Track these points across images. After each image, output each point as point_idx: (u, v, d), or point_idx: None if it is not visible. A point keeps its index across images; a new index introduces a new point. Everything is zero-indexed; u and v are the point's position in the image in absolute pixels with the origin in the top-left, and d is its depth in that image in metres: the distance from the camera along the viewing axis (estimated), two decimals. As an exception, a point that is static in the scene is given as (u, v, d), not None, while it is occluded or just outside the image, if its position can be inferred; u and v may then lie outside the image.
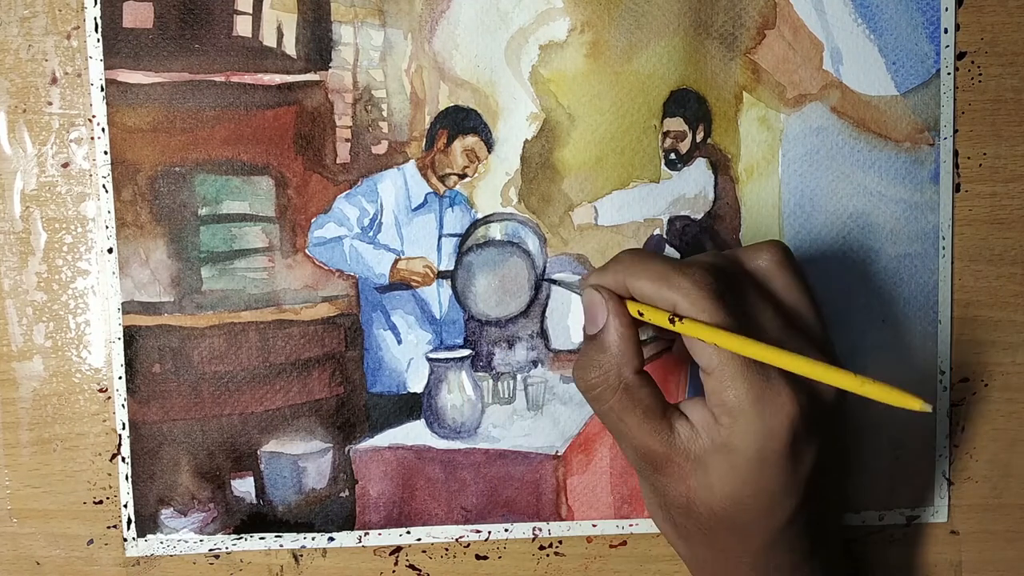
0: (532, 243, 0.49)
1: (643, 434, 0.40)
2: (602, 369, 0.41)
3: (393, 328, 0.49)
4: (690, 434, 0.40)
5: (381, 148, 0.48)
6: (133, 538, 0.48)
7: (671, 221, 0.50)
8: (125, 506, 0.48)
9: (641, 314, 0.41)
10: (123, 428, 0.48)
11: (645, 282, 0.40)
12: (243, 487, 0.49)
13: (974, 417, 0.51)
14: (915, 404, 0.34)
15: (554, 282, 0.49)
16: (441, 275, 0.49)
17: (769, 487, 0.39)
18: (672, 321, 0.39)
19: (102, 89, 0.47)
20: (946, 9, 0.49)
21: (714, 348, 0.38)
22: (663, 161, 0.49)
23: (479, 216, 0.49)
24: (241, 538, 0.49)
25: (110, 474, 0.48)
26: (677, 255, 0.50)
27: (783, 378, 0.38)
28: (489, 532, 0.50)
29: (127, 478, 0.48)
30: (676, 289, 0.39)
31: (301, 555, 0.49)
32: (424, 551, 0.50)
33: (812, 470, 0.39)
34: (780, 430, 0.38)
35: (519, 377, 0.50)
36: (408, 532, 0.49)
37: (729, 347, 0.38)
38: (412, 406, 0.49)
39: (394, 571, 0.50)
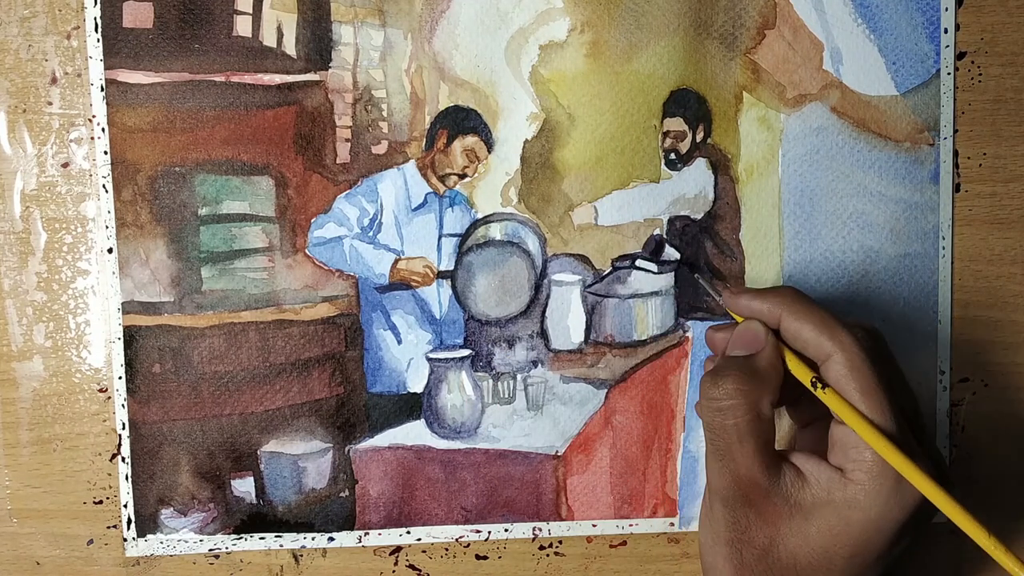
0: (532, 243, 0.49)
1: (752, 464, 0.39)
2: (747, 387, 0.40)
3: (393, 328, 0.49)
4: (795, 481, 0.39)
5: (381, 148, 0.48)
6: (133, 538, 0.48)
7: (671, 221, 0.50)
8: (125, 506, 0.48)
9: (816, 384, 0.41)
10: (123, 428, 0.48)
11: (807, 325, 0.40)
12: (243, 487, 0.49)
13: (974, 417, 0.51)
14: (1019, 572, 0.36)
15: (697, 278, 0.48)
16: (441, 275, 0.49)
17: (871, 551, 0.38)
18: (815, 385, 0.39)
19: (102, 89, 0.47)
20: (946, 9, 0.49)
21: (870, 403, 0.38)
22: (663, 161, 0.49)
23: (479, 216, 0.49)
24: (241, 538, 0.49)
25: (110, 474, 0.48)
26: (677, 255, 0.50)
27: (922, 455, 0.38)
28: (489, 532, 0.50)
29: (127, 478, 0.48)
30: (837, 341, 0.39)
31: (301, 555, 0.49)
32: (424, 551, 0.50)
33: (904, 551, 0.40)
34: (910, 504, 0.38)
35: (519, 377, 0.50)
36: (408, 532, 0.49)
37: (861, 433, 0.38)
38: (412, 406, 0.49)
39: (394, 571, 0.50)
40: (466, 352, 0.49)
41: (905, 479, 0.37)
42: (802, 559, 0.39)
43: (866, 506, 0.38)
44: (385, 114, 0.48)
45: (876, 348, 0.40)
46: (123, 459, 0.48)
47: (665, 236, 0.50)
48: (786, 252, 0.50)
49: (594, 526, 0.50)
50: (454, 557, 0.50)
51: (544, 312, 0.50)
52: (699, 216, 0.50)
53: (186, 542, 0.49)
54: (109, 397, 0.48)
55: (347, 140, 0.48)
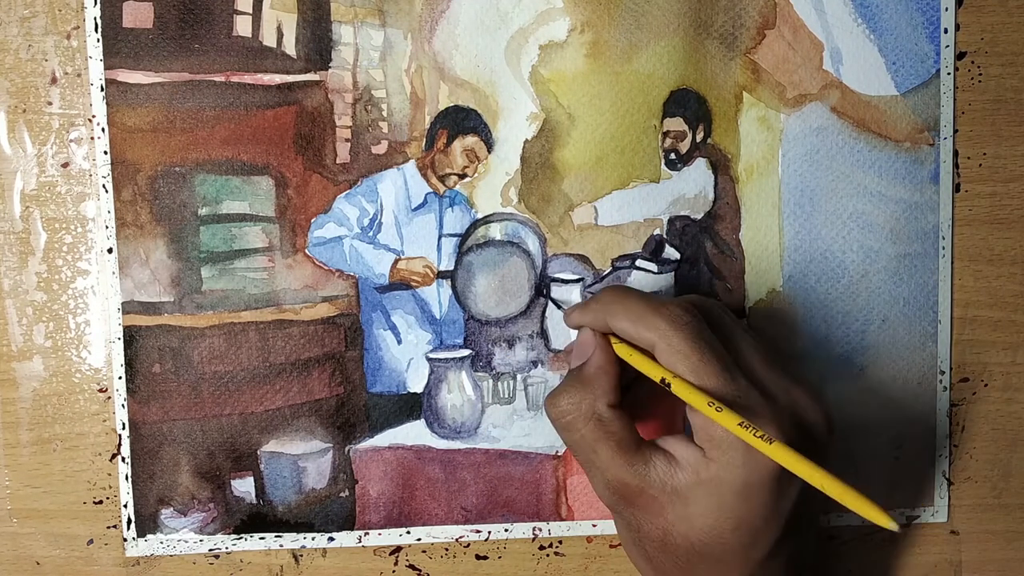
0: (532, 243, 0.49)
1: (616, 466, 0.40)
2: (576, 398, 0.41)
3: (393, 328, 0.49)
4: (667, 468, 0.39)
5: (381, 148, 0.48)
6: (133, 538, 0.48)
7: (671, 221, 0.50)
8: (125, 506, 0.48)
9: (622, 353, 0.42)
10: (123, 428, 0.48)
11: (624, 321, 0.41)
12: (243, 487, 0.49)
13: (974, 417, 0.51)
14: (886, 522, 0.35)
15: (552, 299, 0.49)
16: (441, 275, 0.49)
17: (752, 519, 0.39)
18: (664, 384, 0.39)
19: (102, 89, 0.47)
20: (946, 9, 0.49)
21: (700, 383, 0.39)
22: (663, 161, 0.49)
23: (479, 216, 0.49)
24: (241, 538, 0.49)
25: (110, 474, 0.48)
26: (677, 255, 0.50)
27: (770, 409, 0.38)
28: (489, 532, 0.50)
29: (127, 478, 0.48)
30: (653, 329, 0.40)
31: (301, 555, 0.49)
32: (424, 551, 0.50)
33: (795, 504, 0.39)
34: (766, 462, 0.38)
35: (519, 377, 0.50)
36: (408, 532, 0.49)
37: (711, 416, 0.38)
38: (412, 406, 0.49)
39: (394, 571, 0.50)
40: (466, 352, 0.49)
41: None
42: (695, 541, 0.39)
43: (728, 480, 0.38)
44: (385, 114, 0.48)
45: (694, 325, 0.40)
46: (123, 459, 0.48)
47: (665, 236, 0.50)
48: (786, 252, 0.50)
49: (594, 526, 0.50)
50: (454, 557, 0.50)
51: (544, 312, 0.50)
52: (699, 216, 0.50)
53: (186, 542, 0.49)
54: (109, 397, 0.48)
55: (347, 140, 0.48)
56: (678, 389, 0.39)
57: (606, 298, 0.42)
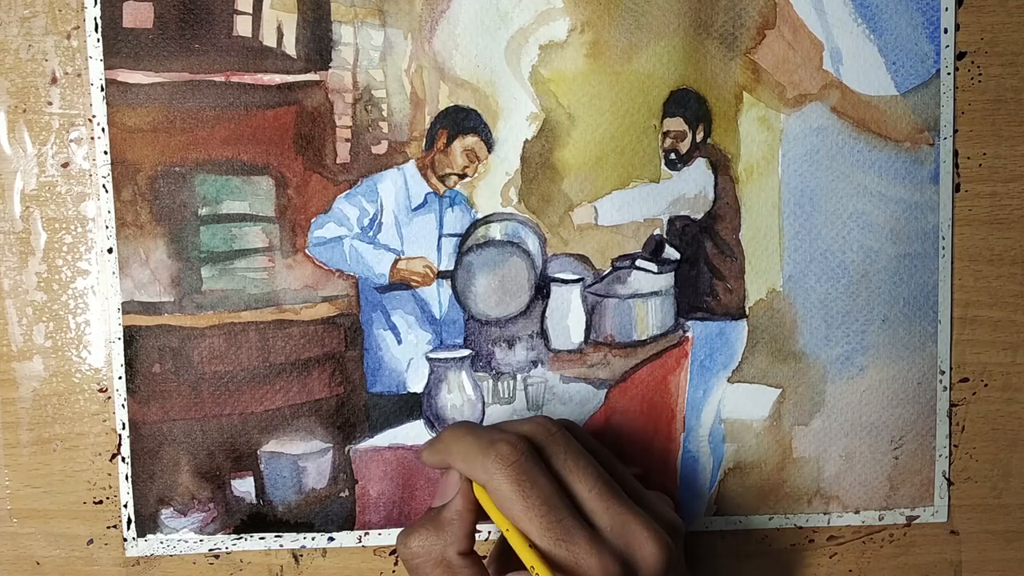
0: (532, 243, 0.49)
1: None
2: (428, 541, 0.41)
3: (393, 328, 0.49)
4: None
5: (381, 148, 0.48)
6: (133, 538, 0.48)
7: (671, 221, 0.50)
8: (125, 506, 0.48)
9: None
10: (123, 428, 0.48)
11: (460, 463, 0.41)
12: (243, 487, 0.49)
13: (974, 417, 0.51)
14: None
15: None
16: (441, 275, 0.49)
17: None
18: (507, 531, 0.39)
19: (102, 89, 0.47)
20: (946, 9, 0.49)
21: (527, 528, 0.38)
22: (663, 161, 0.49)
23: (479, 216, 0.49)
24: (241, 538, 0.49)
25: (110, 474, 0.48)
26: (677, 255, 0.50)
27: (594, 552, 0.38)
28: (489, 532, 0.50)
29: (127, 478, 0.48)
30: (481, 471, 0.39)
31: (301, 555, 0.49)
32: (424, 551, 0.50)
33: None
34: None
35: (519, 377, 0.50)
36: (408, 532, 0.49)
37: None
38: (412, 406, 0.49)
39: (394, 571, 0.50)
40: (466, 352, 0.49)
41: None
42: None
43: None
44: (385, 114, 0.48)
45: (519, 465, 0.39)
46: (123, 459, 0.48)
47: (665, 236, 0.50)
48: (786, 252, 0.50)
49: (594, 526, 0.50)
50: (454, 557, 0.50)
51: (544, 312, 0.50)
52: (699, 216, 0.50)
53: (186, 542, 0.49)
54: (109, 397, 0.48)
55: (347, 140, 0.48)
56: (512, 541, 0.39)
57: (446, 437, 0.42)
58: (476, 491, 0.41)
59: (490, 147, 0.49)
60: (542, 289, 0.50)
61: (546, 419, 0.43)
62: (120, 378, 0.48)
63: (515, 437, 0.40)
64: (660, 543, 0.39)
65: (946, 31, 0.49)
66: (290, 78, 0.48)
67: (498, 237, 0.49)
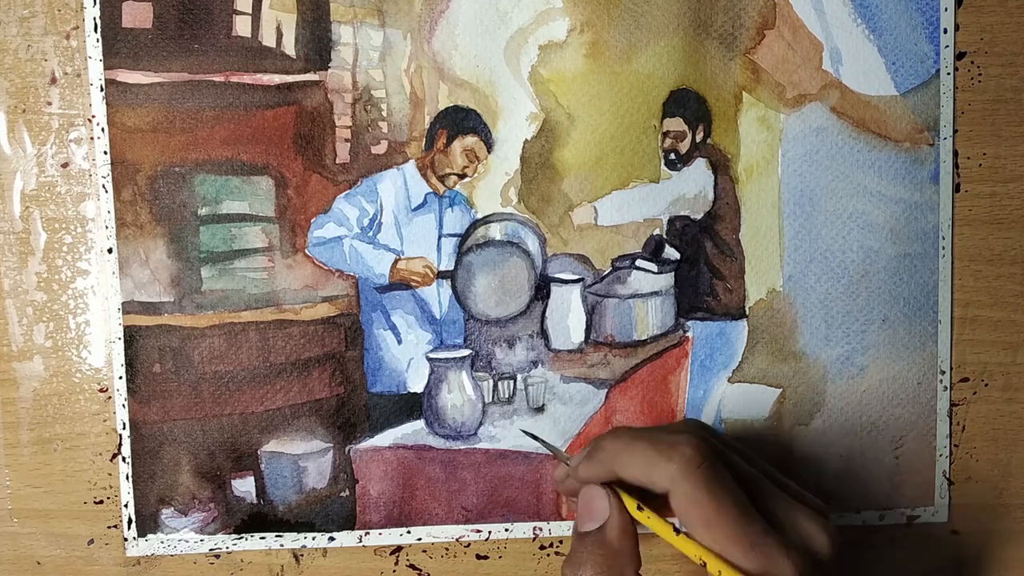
0: (532, 243, 0.49)
1: None
2: (601, 569, 0.39)
3: (393, 328, 0.49)
4: None
5: (381, 148, 0.48)
6: (134, 538, 0.48)
7: (671, 221, 0.50)
8: (125, 506, 0.48)
9: (640, 507, 0.40)
10: (123, 428, 0.48)
11: (634, 469, 0.39)
12: (243, 487, 0.49)
13: (974, 417, 0.51)
14: None
15: (535, 439, 0.47)
16: (441, 275, 0.49)
17: None
18: (677, 532, 0.39)
19: (102, 89, 0.47)
20: (946, 9, 0.49)
21: (715, 536, 0.37)
22: (663, 161, 0.49)
23: (479, 216, 0.49)
24: (241, 538, 0.49)
25: (110, 474, 0.48)
26: (677, 255, 0.50)
27: (785, 550, 0.37)
28: (489, 532, 0.50)
29: (127, 478, 0.48)
30: (666, 476, 0.38)
31: (301, 555, 0.49)
32: (424, 551, 0.50)
33: None
34: None
35: (519, 377, 0.50)
36: (408, 532, 0.49)
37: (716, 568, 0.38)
38: (412, 406, 0.49)
39: (394, 571, 0.50)
40: (466, 352, 0.49)
41: None
42: None
43: None
44: (385, 114, 0.48)
45: (707, 469, 0.38)
46: (123, 459, 0.48)
47: (665, 236, 0.50)
48: (786, 252, 0.50)
49: (594, 526, 0.50)
50: (454, 557, 0.50)
51: (544, 312, 0.50)
52: (699, 216, 0.50)
53: (186, 542, 0.49)
54: (109, 397, 0.48)
55: (347, 140, 0.48)
56: (686, 549, 0.38)
57: (611, 446, 0.40)
58: (628, 503, 0.40)
59: (490, 147, 0.49)
60: (542, 289, 0.50)
61: (695, 420, 0.41)
62: (120, 378, 0.48)
63: (694, 439, 0.39)
64: (829, 530, 0.39)
65: (946, 31, 0.49)
66: (290, 78, 0.48)
67: (498, 237, 0.49)
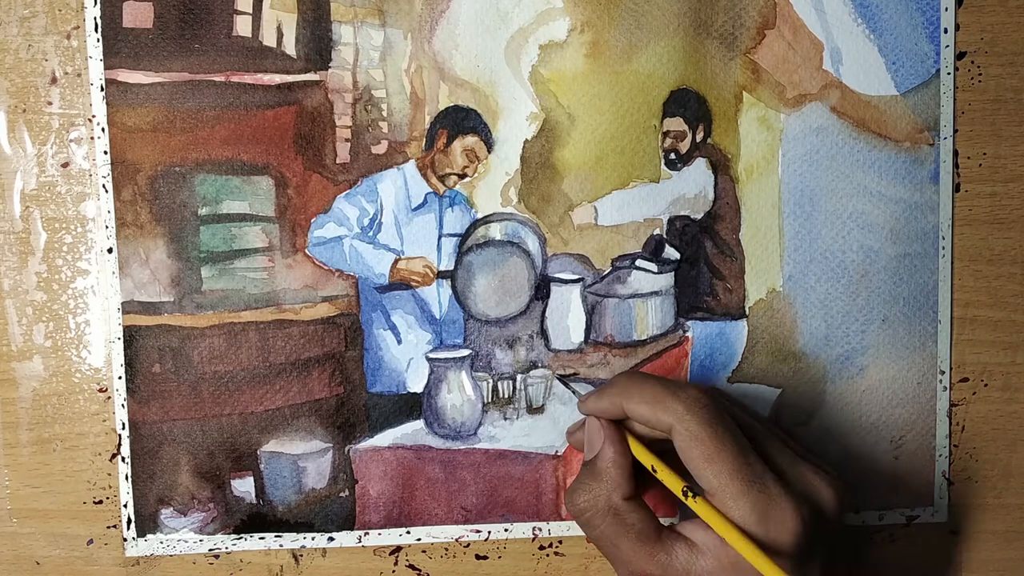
0: (532, 243, 0.49)
1: (638, 558, 0.40)
2: (592, 494, 0.42)
3: (393, 328, 0.49)
4: (689, 556, 0.40)
5: (381, 148, 0.48)
6: (133, 538, 0.48)
7: (671, 221, 0.50)
8: (125, 506, 0.48)
9: (655, 470, 0.42)
10: (123, 428, 0.48)
11: (641, 405, 0.41)
12: (243, 487, 0.49)
13: (974, 417, 0.51)
14: None
15: (565, 384, 0.49)
16: (441, 275, 0.49)
17: None
18: (685, 495, 0.40)
19: (102, 89, 0.47)
20: (946, 9, 0.49)
21: (715, 469, 0.39)
22: (663, 161, 0.49)
23: (479, 216, 0.49)
24: (241, 538, 0.49)
25: (110, 474, 0.48)
26: (677, 255, 0.50)
27: (785, 494, 0.39)
28: (489, 532, 0.50)
29: (127, 478, 0.48)
30: (671, 413, 0.40)
31: (301, 555, 0.49)
32: (424, 551, 0.50)
33: (823, 567, 0.40)
34: (785, 545, 0.38)
35: (519, 377, 0.50)
36: (408, 532, 0.49)
37: (729, 539, 0.38)
38: (412, 406, 0.49)
39: (394, 571, 0.50)
40: (466, 352, 0.49)
41: (769, 521, 0.38)
42: None
43: (748, 563, 0.38)
44: (385, 114, 0.48)
45: (711, 409, 0.40)
46: (123, 459, 0.48)
47: (665, 236, 0.50)
48: (786, 252, 0.50)
49: (594, 526, 0.50)
50: (454, 557, 0.50)
51: (544, 312, 0.50)
52: (699, 216, 0.50)
53: (186, 542, 0.49)
54: (109, 397, 0.48)
55: (347, 140, 0.48)
56: (700, 508, 0.39)
57: (622, 382, 0.43)
58: (636, 450, 0.42)
59: (490, 147, 0.49)
60: (542, 289, 0.50)
61: (710, 384, 0.44)
62: (120, 378, 0.48)
63: (703, 386, 0.42)
64: (836, 486, 0.40)
65: (946, 31, 0.49)
66: (290, 78, 0.48)
67: (498, 237, 0.49)
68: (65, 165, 0.48)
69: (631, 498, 0.41)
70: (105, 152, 0.47)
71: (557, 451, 0.50)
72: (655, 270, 0.50)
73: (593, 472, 0.42)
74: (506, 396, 0.50)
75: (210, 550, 0.49)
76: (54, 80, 0.47)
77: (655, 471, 0.41)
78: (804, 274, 0.50)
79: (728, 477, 0.39)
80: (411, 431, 0.49)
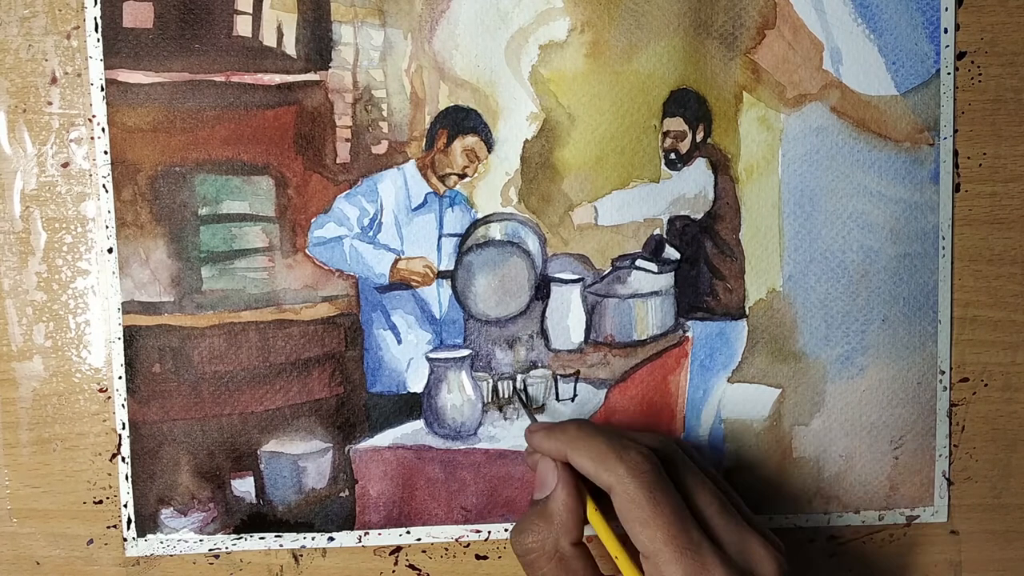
0: (532, 243, 0.49)
1: None
2: (540, 536, 0.42)
3: (393, 328, 0.49)
4: None
5: (381, 148, 0.48)
6: (133, 538, 0.48)
7: (671, 221, 0.50)
8: (125, 506, 0.48)
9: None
10: (123, 428, 0.48)
11: (585, 460, 0.41)
12: (243, 487, 0.49)
13: (974, 417, 0.51)
14: None
15: (522, 402, 0.49)
16: (441, 275, 0.49)
17: None
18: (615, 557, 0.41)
19: (102, 89, 0.47)
20: (946, 9, 0.49)
21: (651, 535, 0.39)
22: (663, 161, 0.49)
23: (479, 216, 0.49)
24: (241, 538, 0.49)
25: (110, 474, 0.48)
26: (677, 255, 0.50)
27: (720, 564, 0.39)
28: (489, 532, 0.50)
29: (127, 478, 0.48)
30: (612, 473, 0.40)
31: (301, 555, 0.49)
32: (424, 551, 0.50)
33: None
34: None
35: (519, 377, 0.50)
36: (408, 532, 0.49)
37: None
38: (412, 406, 0.49)
39: (394, 571, 0.50)
40: (466, 352, 0.49)
41: None
42: None
43: None
44: (385, 114, 0.48)
45: (652, 473, 0.40)
46: (123, 459, 0.48)
47: (665, 236, 0.50)
48: (786, 252, 0.50)
49: (594, 526, 0.50)
50: (454, 557, 0.50)
51: (544, 312, 0.50)
52: (699, 216, 0.50)
53: (186, 542, 0.49)
54: (109, 397, 0.48)
55: (347, 140, 0.48)
56: (612, 550, 0.41)
57: (572, 432, 0.42)
58: (593, 519, 0.42)
59: (490, 147, 0.49)
60: (542, 289, 0.50)
61: (667, 437, 0.44)
62: (120, 378, 0.48)
63: (646, 448, 0.41)
64: (777, 561, 0.40)
65: (946, 31, 0.49)
66: (290, 78, 0.48)
67: (498, 237, 0.49)
68: (65, 165, 0.48)
69: (578, 544, 0.42)
70: (105, 152, 0.47)
71: (557, 451, 0.49)
72: (655, 270, 0.50)
73: (544, 513, 0.42)
74: (506, 396, 0.50)
75: (210, 550, 0.49)
76: (54, 80, 0.47)
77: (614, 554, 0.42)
78: (804, 274, 0.50)
79: (662, 543, 0.38)
80: (411, 431, 0.49)
